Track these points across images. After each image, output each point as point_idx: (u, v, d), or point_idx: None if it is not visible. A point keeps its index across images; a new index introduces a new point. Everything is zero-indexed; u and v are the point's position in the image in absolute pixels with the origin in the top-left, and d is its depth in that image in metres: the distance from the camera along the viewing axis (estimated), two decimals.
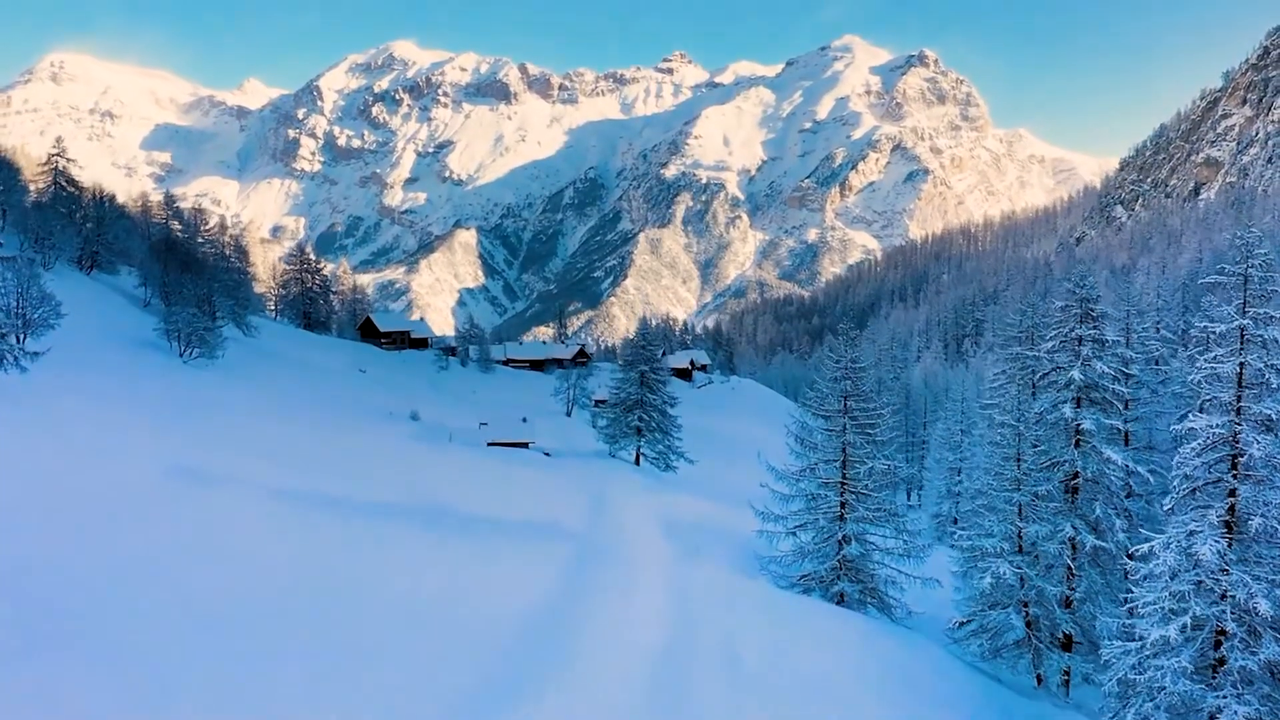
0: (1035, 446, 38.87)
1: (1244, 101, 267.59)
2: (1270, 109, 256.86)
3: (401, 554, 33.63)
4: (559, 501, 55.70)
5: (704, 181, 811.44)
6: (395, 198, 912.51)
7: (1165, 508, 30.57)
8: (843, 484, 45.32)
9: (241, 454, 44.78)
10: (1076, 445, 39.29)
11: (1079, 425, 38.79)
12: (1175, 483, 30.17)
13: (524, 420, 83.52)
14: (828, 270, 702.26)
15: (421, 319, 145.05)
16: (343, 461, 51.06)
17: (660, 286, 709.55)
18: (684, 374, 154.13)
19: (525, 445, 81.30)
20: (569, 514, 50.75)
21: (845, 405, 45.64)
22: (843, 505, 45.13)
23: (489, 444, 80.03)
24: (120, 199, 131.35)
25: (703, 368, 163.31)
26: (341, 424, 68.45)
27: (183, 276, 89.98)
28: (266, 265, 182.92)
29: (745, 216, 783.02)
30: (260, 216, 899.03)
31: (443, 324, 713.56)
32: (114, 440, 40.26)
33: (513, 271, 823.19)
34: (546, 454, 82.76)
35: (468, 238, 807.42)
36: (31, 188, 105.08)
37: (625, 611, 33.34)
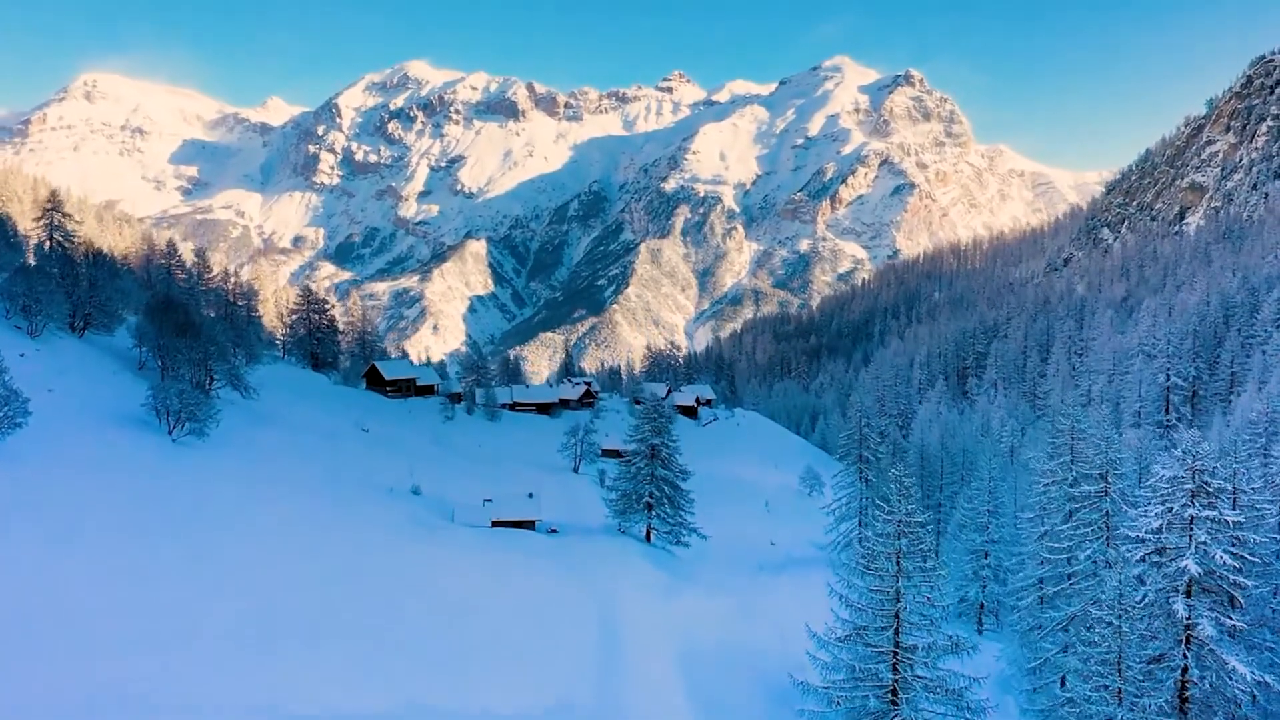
0: (1141, 649, 30.31)
1: (1228, 129, 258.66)
2: (1254, 136, 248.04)
3: None
4: (563, 632, 47.35)
5: (702, 195, 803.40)
6: (410, 210, 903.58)
7: None
8: (895, 655, 36.83)
9: (190, 625, 36.07)
10: (1187, 643, 30.71)
11: (1192, 623, 30.20)
12: None
13: (530, 496, 74.88)
14: (819, 279, 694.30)
15: (427, 363, 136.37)
16: (318, 608, 42.32)
17: (660, 294, 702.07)
18: (689, 412, 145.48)
19: (531, 525, 72.76)
20: (574, 667, 42.21)
21: (899, 565, 37.06)
22: (895, 682, 36.62)
23: (494, 523, 71.60)
24: (122, 250, 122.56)
25: (708, 403, 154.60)
26: (332, 522, 59.73)
27: (178, 341, 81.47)
28: (278, 295, 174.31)
29: (741, 228, 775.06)
30: (282, 227, 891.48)
31: (454, 329, 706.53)
32: (31, 633, 31.66)
33: (521, 280, 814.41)
34: (553, 531, 74.40)
35: (478, 248, 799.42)
36: (31, 238, 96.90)
37: None
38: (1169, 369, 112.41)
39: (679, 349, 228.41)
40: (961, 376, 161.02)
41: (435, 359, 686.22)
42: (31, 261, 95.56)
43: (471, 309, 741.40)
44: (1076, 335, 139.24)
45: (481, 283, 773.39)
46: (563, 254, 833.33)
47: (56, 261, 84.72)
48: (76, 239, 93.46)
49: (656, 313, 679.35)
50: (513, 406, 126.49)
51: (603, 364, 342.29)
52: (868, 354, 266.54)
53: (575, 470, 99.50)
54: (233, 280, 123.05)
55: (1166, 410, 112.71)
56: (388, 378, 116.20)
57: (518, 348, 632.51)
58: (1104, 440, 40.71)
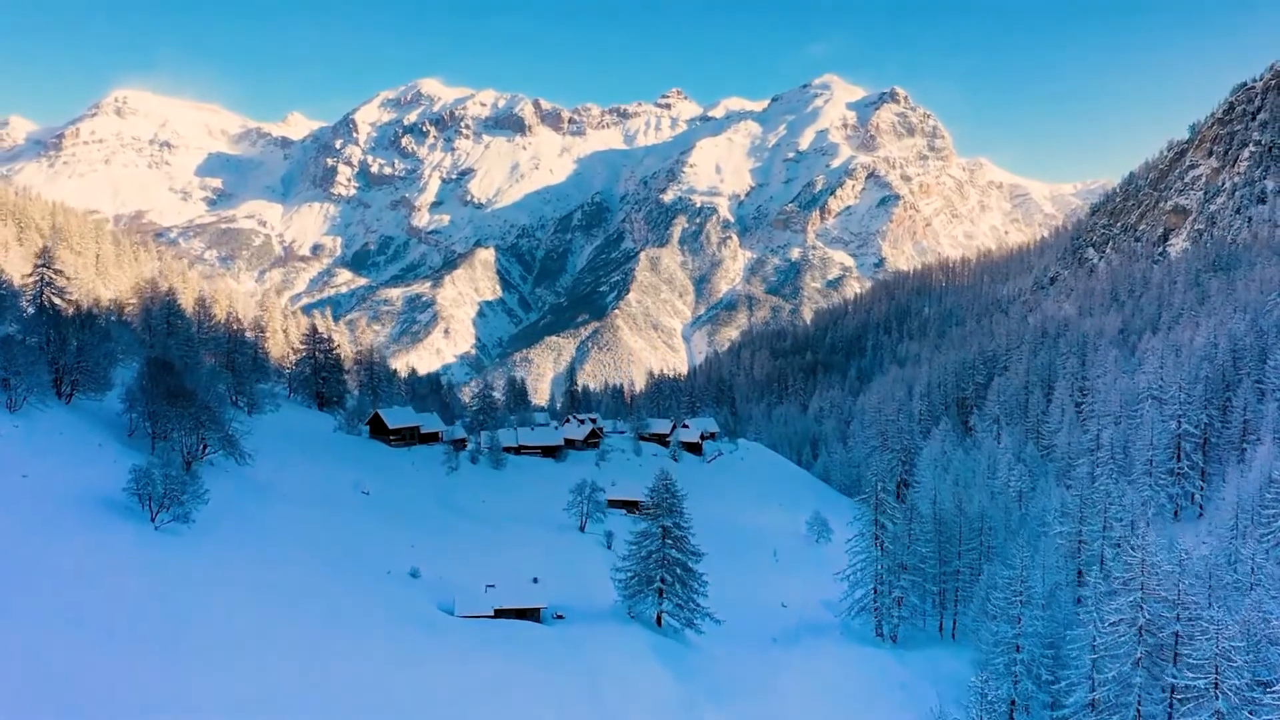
0: None
1: (1210, 153, 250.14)
2: (1236, 161, 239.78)
3: None
4: None
5: (698, 205, 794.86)
6: (422, 219, 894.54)
7: None
8: None
9: None
10: None
11: None
12: None
13: (535, 580, 66.48)
14: (809, 286, 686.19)
15: (433, 413, 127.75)
16: None
17: (659, 300, 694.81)
18: (694, 448, 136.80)
19: (536, 614, 64.32)
20: None
21: None
22: None
23: (496, 611, 63.18)
24: (131, 282, 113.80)
25: (712, 435, 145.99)
26: (318, 638, 51.16)
27: (170, 409, 73.00)
28: (287, 324, 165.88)
29: (735, 237, 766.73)
30: (301, 236, 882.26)
31: (464, 333, 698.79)
32: None
33: (527, 286, 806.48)
34: (559, 617, 66.07)
35: (487, 256, 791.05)
36: (28, 289, 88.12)
37: None
38: (1180, 415, 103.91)
39: (680, 375, 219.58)
40: (962, 406, 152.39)
41: (446, 361, 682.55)
42: (29, 310, 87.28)
43: (480, 314, 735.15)
44: (1079, 372, 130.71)
45: (490, 289, 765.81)
46: (567, 261, 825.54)
47: (45, 323, 75.98)
48: (69, 295, 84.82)
49: (656, 317, 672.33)
50: (518, 450, 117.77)
51: (606, 382, 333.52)
52: (861, 370, 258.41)
53: (581, 529, 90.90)
54: (234, 324, 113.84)
55: (1178, 458, 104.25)
56: (391, 426, 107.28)
57: (524, 350, 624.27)
58: (1213, 624, 32.30)
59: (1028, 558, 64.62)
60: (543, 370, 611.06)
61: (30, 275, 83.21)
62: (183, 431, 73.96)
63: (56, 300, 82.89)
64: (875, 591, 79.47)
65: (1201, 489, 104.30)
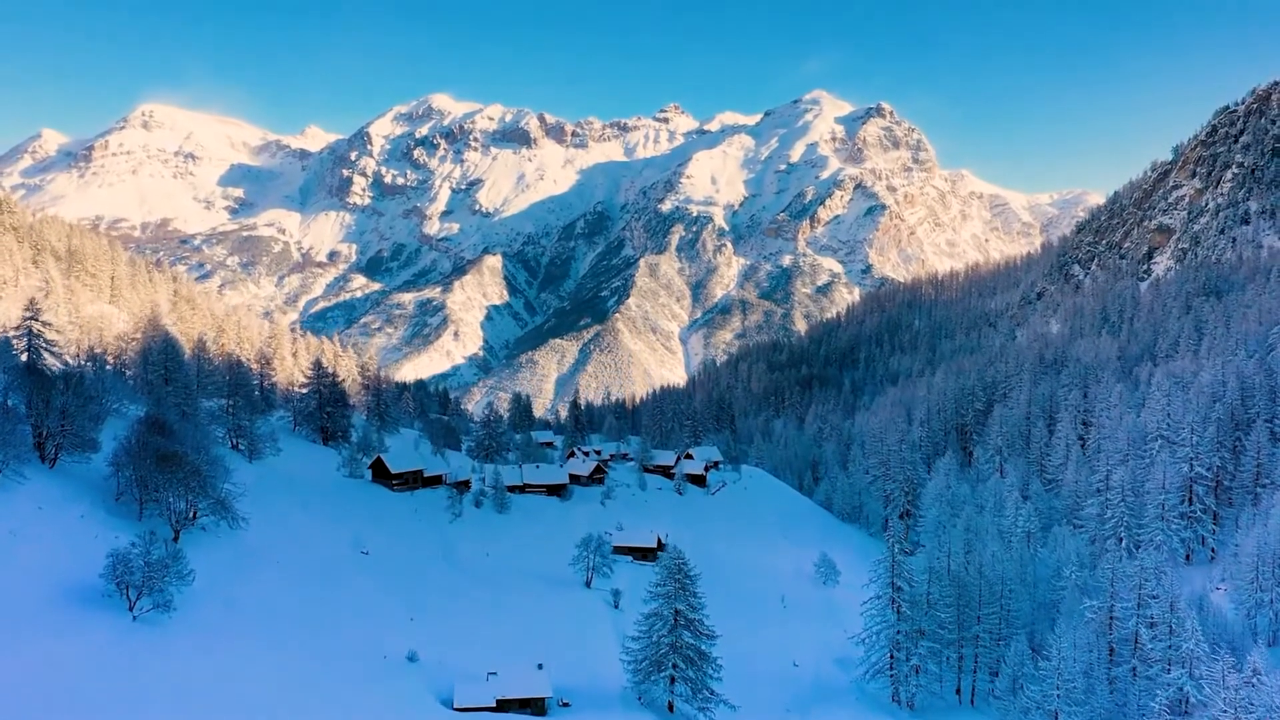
0: None
1: (1193, 174, 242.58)
2: (1219, 182, 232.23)
3: None
4: None
5: (695, 215, 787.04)
6: (433, 227, 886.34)
7: None
8: None
9: None
10: None
11: None
12: None
13: (540, 667, 58.84)
14: (800, 291, 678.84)
15: (438, 452, 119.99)
16: None
17: (658, 304, 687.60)
18: (699, 480, 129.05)
19: (541, 705, 56.73)
20: None
21: None
22: None
23: (499, 703, 55.61)
24: (128, 335, 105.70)
25: (715, 464, 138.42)
26: None
27: (159, 475, 65.31)
28: (296, 349, 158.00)
29: (729, 245, 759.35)
30: (318, 243, 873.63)
31: (473, 336, 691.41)
32: None
33: (532, 291, 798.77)
34: (565, 704, 58.58)
35: (494, 262, 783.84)
36: (15, 345, 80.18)
37: None
38: (1193, 458, 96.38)
39: (680, 384, 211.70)
40: (963, 434, 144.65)
41: (455, 363, 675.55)
42: (24, 357, 79.41)
43: (488, 317, 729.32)
44: (1082, 405, 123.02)
45: (497, 293, 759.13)
46: (570, 267, 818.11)
47: (29, 385, 68.13)
48: (57, 349, 76.91)
49: (654, 321, 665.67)
50: (522, 488, 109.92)
51: (608, 392, 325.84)
52: (855, 382, 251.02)
53: (588, 584, 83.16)
54: (238, 363, 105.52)
55: (1189, 501, 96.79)
56: (394, 470, 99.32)
57: (530, 352, 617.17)
58: None
59: (1067, 650, 57.08)
60: (547, 371, 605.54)
61: (18, 328, 75.34)
62: (172, 496, 66.36)
63: (45, 352, 75.04)
64: (892, 657, 72.12)
65: (1214, 532, 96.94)
